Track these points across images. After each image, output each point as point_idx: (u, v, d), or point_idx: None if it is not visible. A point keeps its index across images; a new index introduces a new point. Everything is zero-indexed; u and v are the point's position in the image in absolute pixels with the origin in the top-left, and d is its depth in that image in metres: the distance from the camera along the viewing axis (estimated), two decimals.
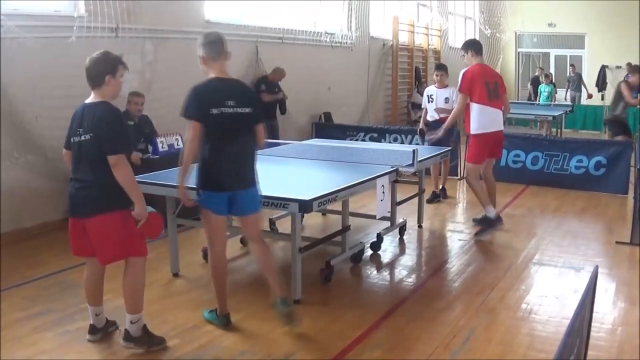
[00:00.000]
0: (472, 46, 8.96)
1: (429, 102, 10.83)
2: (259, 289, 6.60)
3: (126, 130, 5.16)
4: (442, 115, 10.39)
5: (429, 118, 10.83)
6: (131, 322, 5.13)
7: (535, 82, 22.57)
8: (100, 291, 5.44)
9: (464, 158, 12.24)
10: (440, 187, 11.05)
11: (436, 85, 10.86)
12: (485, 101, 8.58)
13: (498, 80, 8.92)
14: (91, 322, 5.42)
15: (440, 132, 9.67)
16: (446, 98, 10.60)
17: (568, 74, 24.40)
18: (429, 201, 10.60)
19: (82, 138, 4.94)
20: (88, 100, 5.06)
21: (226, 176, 5.34)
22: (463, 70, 8.79)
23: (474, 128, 8.70)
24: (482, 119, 8.63)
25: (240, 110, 5.35)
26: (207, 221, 5.52)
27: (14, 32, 7.90)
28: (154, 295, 6.04)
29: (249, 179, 5.47)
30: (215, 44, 5.39)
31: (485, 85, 8.62)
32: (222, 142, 5.30)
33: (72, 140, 5.06)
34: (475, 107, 8.64)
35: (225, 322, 5.69)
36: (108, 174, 4.86)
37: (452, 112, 9.45)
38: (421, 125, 11.00)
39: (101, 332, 5.43)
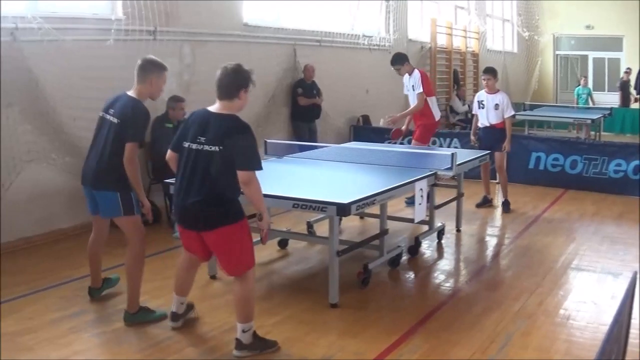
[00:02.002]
0: (405, 58, 10.23)
1: (479, 107, 10.37)
2: (296, 292, 6.62)
3: (257, 147, 5.04)
4: (493, 122, 10.20)
5: (479, 124, 10.48)
6: (243, 330, 5.10)
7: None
8: (190, 283, 5.63)
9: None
10: (503, 199, 10.46)
11: (486, 90, 10.36)
12: (435, 94, 10.34)
13: None
14: (173, 310, 5.60)
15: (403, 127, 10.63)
16: (496, 104, 10.12)
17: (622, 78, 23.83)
18: (479, 205, 10.49)
19: (205, 148, 4.85)
20: (213, 109, 5.00)
21: None
22: (418, 74, 9.93)
23: (437, 116, 10.20)
24: (435, 109, 10.17)
25: None
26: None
27: (52, 35, 8.00)
28: (192, 297, 6.04)
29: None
30: None
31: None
32: None
33: (186, 144, 5.00)
34: (433, 100, 10.17)
35: None
36: (229, 187, 4.87)
37: (412, 108, 10.11)
38: (472, 134, 10.78)
39: (181, 318, 5.63)
